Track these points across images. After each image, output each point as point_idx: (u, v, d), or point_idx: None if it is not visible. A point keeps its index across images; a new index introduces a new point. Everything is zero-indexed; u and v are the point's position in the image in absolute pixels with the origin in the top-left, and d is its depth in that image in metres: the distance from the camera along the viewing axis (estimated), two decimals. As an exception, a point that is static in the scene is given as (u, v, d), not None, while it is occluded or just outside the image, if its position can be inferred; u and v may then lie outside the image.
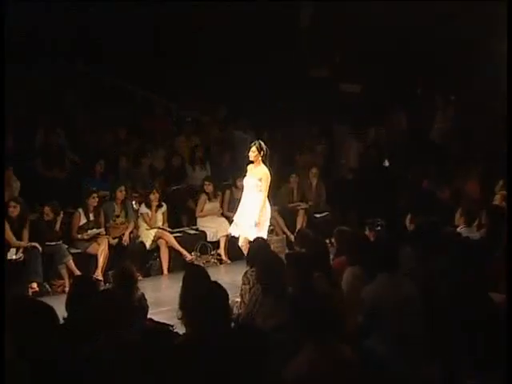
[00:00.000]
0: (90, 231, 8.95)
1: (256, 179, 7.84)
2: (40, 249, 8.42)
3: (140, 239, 9.35)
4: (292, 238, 9.60)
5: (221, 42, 11.93)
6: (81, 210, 8.97)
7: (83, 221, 8.96)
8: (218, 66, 12.29)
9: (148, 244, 9.35)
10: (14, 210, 8.40)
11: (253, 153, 7.82)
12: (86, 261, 8.89)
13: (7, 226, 8.38)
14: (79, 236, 8.93)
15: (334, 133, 12.77)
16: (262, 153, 7.79)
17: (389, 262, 4.93)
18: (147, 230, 9.42)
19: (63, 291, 8.47)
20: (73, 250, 8.86)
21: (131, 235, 9.21)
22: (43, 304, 3.80)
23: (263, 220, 7.85)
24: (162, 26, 11.95)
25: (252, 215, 7.79)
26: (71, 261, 8.60)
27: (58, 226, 8.72)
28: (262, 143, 7.86)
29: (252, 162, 7.89)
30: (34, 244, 8.42)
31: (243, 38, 11.94)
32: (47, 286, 8.47)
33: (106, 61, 11.63)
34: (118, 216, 9.25)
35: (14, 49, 10.05)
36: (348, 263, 5.64)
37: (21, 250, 8.36)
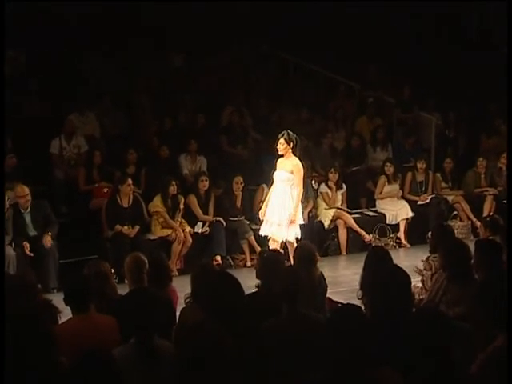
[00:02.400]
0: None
1: (287, 172, 7.22)
2: (224, 223, 8.78)
3: (318, 219, 9.41)
4: (478, 224, 9.13)
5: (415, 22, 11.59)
6: (265, 186, 9.22)
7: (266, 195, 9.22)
8: (404, 45, 12.01)
9: (326, 224, 9.39)
10: (205, 185, 8.82)
11: (281, 145, 7.18)
12: (266, 237, 9.09)
13: (195, 200, 8.83)
14: (261, 205, 9.15)
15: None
16: (291, 144, 7.16)
17: None
18: (326, 209, 9.46)
19: (244, 265, 8.79)
20: (254, 226, 9.12)
21: (310, 214, 9.29)
22: (230, 276, 3.92)
23: (298, 218, 7.29)
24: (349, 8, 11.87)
25: (283, 213, 7.18)
26: (252, 236, 8.88)
27: (239, 202, 9.03)
28: (291, 133, 7.22)
29: (282, 156, 7.24)
30: (218, 218, 8.81)
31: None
32: (230, 260, 8.82)
33: (289, 42, 11.76)
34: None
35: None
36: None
37: (207, 224, 8.78)
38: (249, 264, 8.78)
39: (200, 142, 9.78)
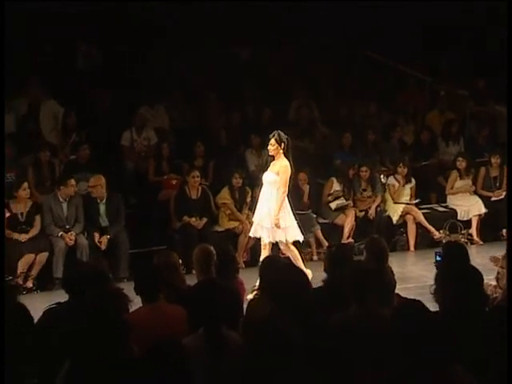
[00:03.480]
0: (338, 201, 9.11)
1: (274, 174, 6.98)
2: (291, 216, 8.77)
3: (387, 213, 9.29)
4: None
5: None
6: (334, 179, 9.18)
7: (335, 188, 9.16)
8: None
9: (395, 219, 9.26)
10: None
11: (271, 146, 6.92)
12: (333, 231, 9.09)
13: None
14: (329, 198, 9.09)
15: None
16: (282, 145, 6.90)
17: None
18: (395, 204, 9.32)
19: (310, 259, 8.76)
20: (321, 220, 9.10)
21: (378, 209, 9.19)
22: (298, 269, 3.91)
23: (287, 220, 6.97)
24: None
25: (269, 215, 6.93)
26: (319, 230, 8.86)
27: (306, 196, 9.00)
28: (282, 134, 6.95)
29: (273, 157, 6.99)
30: (285, 212, 8.79)
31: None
32: (296, 253, 8.80)
33: (357, 34, 11.62)
34: (364, 190, 9.30)
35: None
36: None
37: (273, 217, 8.78)
38: (315, 258, 8.75)
39: (266, 135, 9.76)
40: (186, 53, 10.94)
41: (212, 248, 4.96)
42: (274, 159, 7.10)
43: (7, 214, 7.75)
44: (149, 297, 4.04)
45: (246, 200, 8.74)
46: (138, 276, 4.22)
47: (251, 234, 7.35)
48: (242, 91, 10.86)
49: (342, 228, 9.04)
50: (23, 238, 7.74)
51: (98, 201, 8.16)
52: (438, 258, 5.08)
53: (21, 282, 7.42)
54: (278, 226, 6.92)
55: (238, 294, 4.75)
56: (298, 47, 11.67)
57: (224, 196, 8.73)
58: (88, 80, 10.16)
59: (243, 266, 8.07)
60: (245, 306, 4.59)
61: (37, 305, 4.03)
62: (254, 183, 9.05)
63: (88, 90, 9.95)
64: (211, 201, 8.71)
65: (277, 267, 4.41)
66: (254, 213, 7.34)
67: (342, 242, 8.84)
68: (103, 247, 7.91)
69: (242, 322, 4.29)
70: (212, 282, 4.11)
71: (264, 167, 9.32)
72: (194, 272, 4.88)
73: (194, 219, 8.41)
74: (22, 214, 7.89)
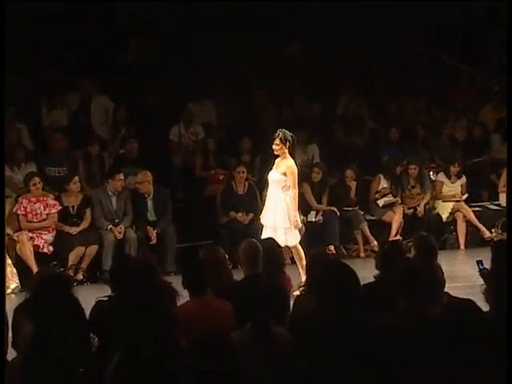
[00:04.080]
0: (386, 198, 9.02)
1: (280, 174, 6.82)
2: (338, 213, 8.72)
3: (436, 211, 9.15)
4: None
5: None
6: (381, 176, 9.08)
7: (383, 185, 9.07)
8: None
9: (444, 216, 9.12)
10: (317, 176, 8.80)
11: (276, 145, 6.78)
12: (380, 228, 9.01)
13: (308, 189, 8.81)
14: (377, 195, 8.99)
15: None
16: (287, 144, 6.76)
17: None
18: (444, 202, 9.18)
19: (358, 256, 8.69)
20: (368, 217, 9.03)
21: (427, 206, 9.06)
22: (346, 266, 3.85)
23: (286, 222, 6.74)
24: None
25: (277, 216, 6.73)
26: (366, 227, 8.79)
27: (353, 192, 8.94)
28: (287, 133, 6.80)
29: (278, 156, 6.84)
30: (332, 208, 8.75)
31: None
32: (343, 250, 8.75)
33: (407, 29, 11.45)
34: (413, 187, 9.18)
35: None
36: None
37: (320, 213, 8.75)
38: (362, 255, 8.68)
39: (314, 130, 9.73)
40: (234, 47, 10.96)
41: (259, 243, 4.95)
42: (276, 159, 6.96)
43: (59, 208, 7.91)
44: (196, 291, 4.06)
45: (293, 195, 8.70)
46: (186, 270, 4.24)
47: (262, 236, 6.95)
48: (290, 86, 10.83)
49: (389, 225, 8.94)
50: (74, 230, 7.89)
51: (146, 196, 8.25)
52: (482, 267, 4.97)
53: (71, 274, 7.56)
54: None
55: (285, 290, 4.74)
56: (348, 43, 11.56)
57: (271, 191, 8.71)
58: (138, 75, 10.27)
59: (289, 261, 8.05)
60: (291, 302, 4.58)
61: (87, 297, 4.08)
62: (300, 179, 9.04)
63: (138, 85, 10.06)
64: (258, 196, 8.71)
65: (324, 263, 4.38)
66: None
67: (390, 239, 8.74)
68: (153, 241, 8.00)
69: (289, 317, 4.28)
70: (259, 277, 4.11)
71: (306, 162, 9.36)
72: (239, 267, 4.87)
73: (240, 214, 8.43)
74: (72, 207, 8.04)
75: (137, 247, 7.88)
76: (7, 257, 7.39)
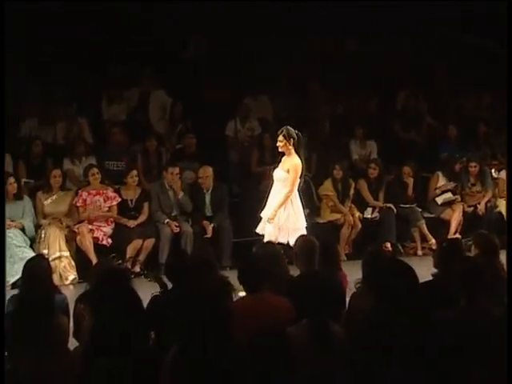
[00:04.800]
0: (445, 196, 8.86)
1: (284, 171, 6.63)
2: (395, 210, 8.60)
3: (498, 209, 8.91)
4: None
5: None
6: (440, 173, 8.92)
7: (441, 183, 8.92)
8: None
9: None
10: (374, 172, 8.70)
11: (280, 142, 6.59)
12: (439, 226, 8.85)
13: (365, 185, 8.74)
14: (436, 191, 8.83)
15: None
16: (291, 141, 6.55)
17: None
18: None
19: (415, 254, 8.56)
20: (426, 214, 8.88)
21: (488, 204, 8.84)
22: (404, 263, 3.79)
23: (291, 221, 6.51)
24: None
25: (281, 214, 6.52)
26: (424, 224, 8.65)
27: (411, 189, 8.81)
28: (291, 130, 6.60)
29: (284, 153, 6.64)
30: (389, 205, 8.64)
31: None
32: (400, 247, 8.62)
33: (469, 24, 11.19)
34: (473, 184, 8.99)
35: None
36: None
37: (377, 210, 8.65)
38: (420, 253, 8.55)
39: (372, 126, 9.62)
40: (290, 43, 10.91)
41: (315, 239, 4.92)
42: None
43: (119, 200, 8.04)
44: (252, 286, 4.06)
45: (349, 192, 8.64)
46: (241, 265, 4.24)
47: (258, 231, 6.80)
48: (347, 82, 10.73)
49: (448, 223, 8.78)
50: (132, 223, 8.00)
51: (205, 191, 8.31)
52: None
53: (129, 267, 7.68)
54: (270, 221, 6.54)
55: (341, 287, 4.70)
56: (408, 38, 11.37)
57: (327, 187, 8.66)
58: (195, 71, 10.34)
59: (345, 258, 7.99)
60: (347, 298, 4.53)
61: (144, 289, 4.13)
62: (358, 174, 8.96)
63: (195, 80, 10.14)
64: (314, 192, 8.66)
65: (381, 260, 4.32)
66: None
67: (449, 237, 8.57)
68: (209, 235, 8.05)
69: (345, 314, 4.24)
70: (316, 273, 4.08)
71: (364, 158, 9.26)
72: (294, 263, 4.85)
73: (296, 210, 8.38)
74: (131, 200, 8.16)
75: (193, 241, 7.94)
76: (66, 249, 7.55)
